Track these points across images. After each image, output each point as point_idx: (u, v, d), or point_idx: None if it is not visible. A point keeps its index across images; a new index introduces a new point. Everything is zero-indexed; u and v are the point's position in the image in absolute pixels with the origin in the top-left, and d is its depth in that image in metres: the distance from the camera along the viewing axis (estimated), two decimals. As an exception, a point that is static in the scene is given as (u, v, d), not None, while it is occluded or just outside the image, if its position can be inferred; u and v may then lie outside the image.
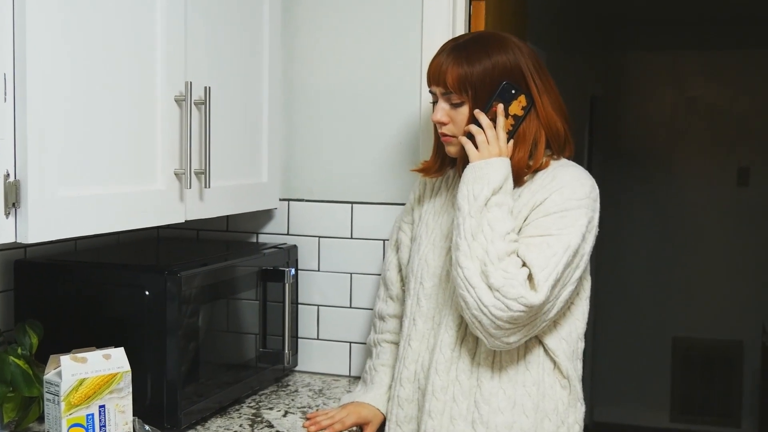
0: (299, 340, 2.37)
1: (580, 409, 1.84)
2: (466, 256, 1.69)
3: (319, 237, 2.36)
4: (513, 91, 1.76)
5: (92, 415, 1.62)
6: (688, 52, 5.90)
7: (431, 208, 1.98)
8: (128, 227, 1.72)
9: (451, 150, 1.85)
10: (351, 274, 2.33)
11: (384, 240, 2.29)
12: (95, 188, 1.60)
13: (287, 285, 2.17)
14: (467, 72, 1.76)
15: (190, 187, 1.85)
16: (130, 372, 1.67)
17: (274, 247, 2.26)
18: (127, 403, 1.67)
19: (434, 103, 1.84)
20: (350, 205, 2.33)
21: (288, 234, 2.38)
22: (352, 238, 2.33)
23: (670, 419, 5.84)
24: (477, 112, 1.76)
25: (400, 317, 2.05)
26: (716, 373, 5.85)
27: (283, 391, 2.21)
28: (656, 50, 5.91)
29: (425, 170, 1.95)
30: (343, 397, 2.07)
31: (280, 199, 2.37)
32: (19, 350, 1.73)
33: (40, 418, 1.74)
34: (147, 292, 1.80)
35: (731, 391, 5.83)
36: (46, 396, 1.62)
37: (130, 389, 1.67)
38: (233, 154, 2.10)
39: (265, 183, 2.26)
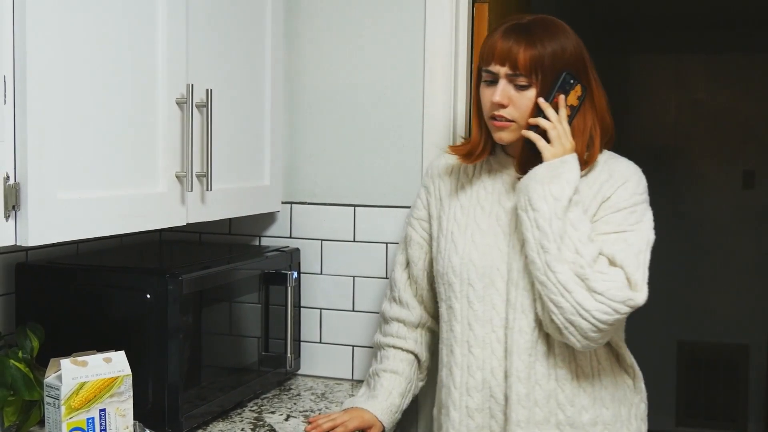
0: (302, 343, 2.36)
1: (642, 389, 1.90)
2: (557, 260, 1.67)
3: (322, 240, 2.35)
4: (572, 81, 1.74)
5: (93, 418, 1.61)
6: (693, 54, 5.88)
7: (455, 203, 1.91)
8: (129, 230, 1.71)
9: (504, 136, 1.79)
10: (354, 277, 2.32)
11: (387, 243, 2.28)
12: (96, 191, 1.60)
13: (290, 288, 2.17)
14: (540, 54, 1.72)
15: (192, 190, 1.84)
16: (131, 375, 1.66)
17: (277, 250, 2.26)
18: (128, 406, 1.66)
19: (488, 82, 1.77)
20: (353, 208, 2.32)
21: (290, 237, 2.37)
22: (354, 241, 2.32)
23: (675, 423, 5.81)
24: (544, 104, 1.73)
25: (402, 321, 2.04)
26: (722, 377, 5.82)
27: (286, 394, 2.20)
28: (661, 53, 5.89)
29: (468, 155, 1.86)
30: (345, 401, 2.06)
31: (283, 202, 2.36)
32: (20, 354, 1.73)
33: (41, 422, 1.73)
34: (148, 295, 1.79)
35: (737, 395, 5.80)
36: (47, 400, 1.61)
37: (131, 393, 1.66)
38: (235, 156, 2.09)
39: (267, 186, 2.25)
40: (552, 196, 1.69)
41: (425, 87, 2.23)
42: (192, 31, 1.86)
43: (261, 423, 1.96)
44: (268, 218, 2.39)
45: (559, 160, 1.72)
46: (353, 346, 2.34)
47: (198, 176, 1.86)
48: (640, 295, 1.68)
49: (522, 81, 1.74)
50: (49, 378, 1.62)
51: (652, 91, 5.90)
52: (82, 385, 1.59)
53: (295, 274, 2.21)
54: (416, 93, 2.25)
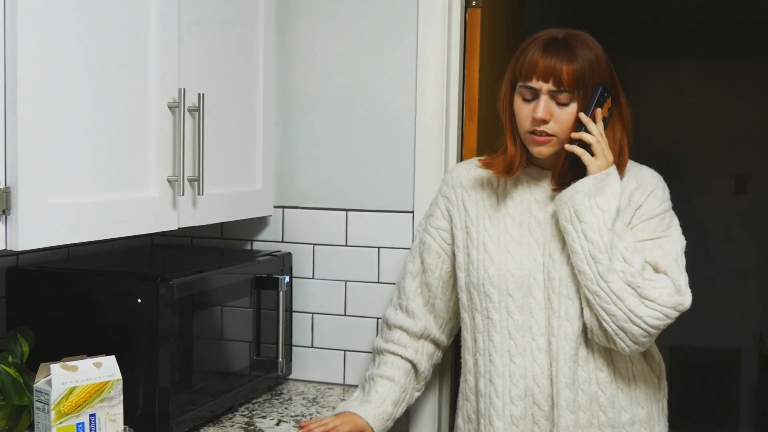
0: (293, 348, 2.36)
1: (665, 386, 1.99)
2: (609, 270, 1.73)
3: (314, 244, 2.35)
4: (606, 94, 1.79)
5: (82, 423, 1.60)
6: (686, 60, 5.91)
7: (483, 213, 1.93)
8: (120, 235, 1.70)
9: (543, 150, 1.82)
10: (346, 281, 2.32)
11: (379, 247, 2.28)
12: (86, 195, 1.59)
13: (281, 293, 2.17)
14: (582, 69, 1.76)
15: (183, 194, 1.84)
16: (121, 380, 1.65)
17: (269, 254, 2.25)
18: (118, 411, 1.65)
19: (527, 99, 1.80)
20: (345, 212, 2.32)
21: (282, 241, 2.37)
22: (347, 245, 2.32)
23: (668, 427, 5.82)
24: (586, 119, 1.77)
25: (405, 330, 2.03)
26: (714, 381, 5.83)
27: (277, 399, 2.20)
28: (654, 58, 5.91)
29: (508, 170, 1.87)
30: (338, 405, 2.06)
31: (275, 207, 2.36)
32: (10, 358, 1.72)
33: (31, 427, 1.72)
34: (139, 300, 1.79)
35: (729, 399, 5.82)
36: (36, 404, 1.61)
37: (121, 398, 1.66)
38: (227, 161, 2.09)
39: (259, 190, 2.25)
40: (599, 208, 1.75)
41: (417, 91, 2.23)
42: (184, 36, 1.86)
43: (252, 428, 1.96)
44: (260, 222, 2.39)
45: (604, 173, 1.77)
46: (345, 351, 2.33)
47: (190, 181, 1.86)
48: (687, 299, 1.77)
49: (564, 97, 1.77)
50: (39, 383, 1.61)
51: (645, 96, 5.91)
52: (72, 390, 1.59)
53: (287, 279, 2.20)
54: (409, 98, 2.25)
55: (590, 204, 1.75)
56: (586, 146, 1.78)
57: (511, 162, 1.86)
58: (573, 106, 1.78)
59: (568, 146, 1.79)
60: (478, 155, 2.28)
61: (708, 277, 5.78)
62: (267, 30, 2.24)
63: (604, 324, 1.75)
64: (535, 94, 1.78)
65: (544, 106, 1.77)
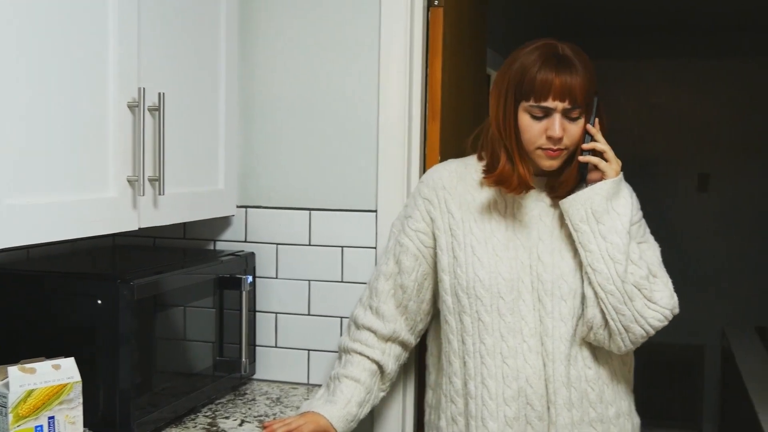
0: (257, 348, 2.35)
1: (632, 379, 2.03)
2: (626, 270, 1.79)
3: (277, 244, 2.34)
4: (598, 103, 1.85)
5: (41, 426, 1.59)
6: (651, 60, 5.97)
7: (468, 216, 1.93)
8: (79, 235, 1.69)
9: (554, 164, 1.86)
10: (309, 281, 2.32)
11: (343, 247, 2.28)
12: (44, 196, 1.57)
13: (244, 293, 2.16)
14: (589, 83, 1.81)
15: (144, 195, 1.82)
16: (80, 382, 1.64)
17: (232, 254, 2.24)
18: (78, 414, 1.64)
19: (539, 118, 1.80)
20: (308, 212, 2.31)
21: (246, 241, 2.36)
22: (310, 245, 2.31)
23: (632, 424, 5.88)
24: (593, 130, 1.83)
25: (374, 331, 2.03)
26: (678, 377, 5.90)
27: (240, 399, 2.19)
28: (619, 58, 5.96)
29: (526, 187, 1.85)
30: (302, 405, 2.05)
31: (238, 206, 2.35)
32: (-33, 361, 1.70)
33: (-11, 430, 1.71)
34: (99, 301, 1.77)
35: (693, 395, 5.89)
36: (-6, 407, 1.59)
37: (81, 400, 1.64)
38: (189, 160, 2.08)
39: (221, 190, 2.24)
40: (615, 211, 1.82)
41: (380, 91, 2.23)
42: (144, 35, 1.84)
43: (215, 428, 1.95)
44: (223, 222, 2.38)
45: (619, 178, 1.85)
46: (309, 351, 2.33)
47: (150, 180, 1.85)
48: (677, 302, 1.87)
49: (576, 113, 1.81)
50: (-3, 385, 1.60)
51: (610, 96, 5.96)
52: (30, 393, 1.57)
53: (250, 279, 2.20)
54: (371, 97, 2.25)
55: (608, 207, 1.81)
56: (596, 154, 1.85)
57: (526, 178, 1.85)
58: (582, 120, 1.83)
59: (583, 158, 1.84)
60: (441, 154, 2.29)
61: (671, 275, 5.84)
62: (229, 29, 2.23)
63: (612, 322, 1.81)
64: (547, 112, 1.80)
65: (559, 124, 1.80)
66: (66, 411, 1.62)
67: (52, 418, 1.60)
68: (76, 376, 1.64)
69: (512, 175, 1.85)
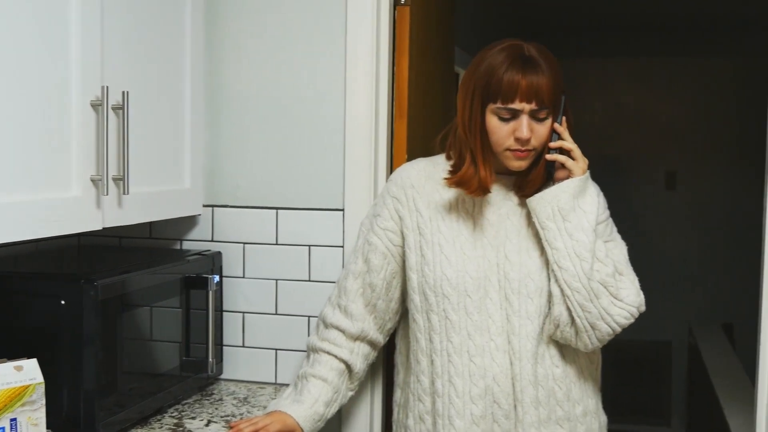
0: (224, 347, 2.34)
1: (600, 378, 2.04)
2: (591, 268, 1.80)
3: (244, 243, 2.33)
4: (563, 103, 1.85)
5: (3, 429, 1.57)
6: (618, 59, 6.01)
7: (436, 214, 1.93)
8: (42, 235, 1.67)
9: (522, 164, 1.86)
10: (276, 280, 2.31)
11: (310, 246, 2.28)
12: (6, 195, 1.55)
13: (211, 292, 2.15)
14: (556, 84, 1.81)
15: (108, 194, 1.80)
16: (43, 384, 1.62)
17: (198, 254, 2.23)
18: (41, 415, 1.62)
19: (506, 119, 1.81)
20: (275, 210, 2.30)
21: (212, 240, 2.35)
22: (277, 244, 2.31)
23: (601, 420, 5.92)
24: (561, 129, 1.84)
25: (342, 330, 2.02)
26: (645, 373, 5.95)
27: (207, 399, 2.18)
28: (585, 57, 6.00)
29: (485, 190, 1.86)
30: (269, 404, 2.05)
31: (204, 205, 2.34)
32: (-72, 363, 1.68)
33: (-50, 433, 1.69)
34: (63, 302, 1.75)
35: (660, 391, 5.94)
36: (-45, 410, 1.57)
37: (44, 401, 1.63)
38: (154, 159, 2.06)
39: (187, 189, 2.22)
40: (581, 209, 1.83)
41: (347, 89, 2.23)
42: (107, 32, 1.82)
43: (181, 428, 1.94)
44: (190, 222, 2.37)
45: (586, 176, 1.85)
46: (276, 350, 2.32)
47: (114, 180, 1.83)
48: (643, 299, 1.89)
49: (543, 113, 1.82)
50: (-43, 388, 1.57)
51: (575, 94, 5.97)
52: (-9, 395, 1.55)
53: (217, 278, 2.19)
54: (338, 95, 2.24)
55: (574, 204, 1.82)
56: (563, 153, 1.85)
57: (486, 182, 1.85)
58: (549, 120, 1.83)
59: (550, 156, 1.84)
60: (408, 153, 2.30)
61: (638, 272, 5.89)
62: (194, 26, 2.21)
63: (578, 320, 1.81)
64: (514, 114, 1.80)
65: (527, 126, 1.80)
66: (29, 413, 1.60)
67: (14, 420, 1.58)
68: (38, 377, 1.62)
69: (473, 178, 1.86)
